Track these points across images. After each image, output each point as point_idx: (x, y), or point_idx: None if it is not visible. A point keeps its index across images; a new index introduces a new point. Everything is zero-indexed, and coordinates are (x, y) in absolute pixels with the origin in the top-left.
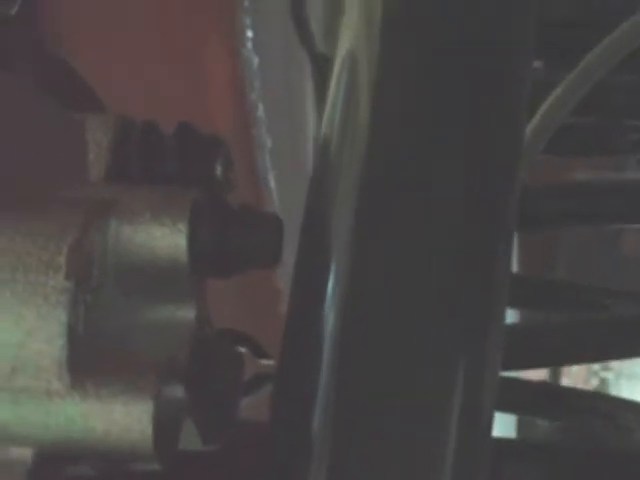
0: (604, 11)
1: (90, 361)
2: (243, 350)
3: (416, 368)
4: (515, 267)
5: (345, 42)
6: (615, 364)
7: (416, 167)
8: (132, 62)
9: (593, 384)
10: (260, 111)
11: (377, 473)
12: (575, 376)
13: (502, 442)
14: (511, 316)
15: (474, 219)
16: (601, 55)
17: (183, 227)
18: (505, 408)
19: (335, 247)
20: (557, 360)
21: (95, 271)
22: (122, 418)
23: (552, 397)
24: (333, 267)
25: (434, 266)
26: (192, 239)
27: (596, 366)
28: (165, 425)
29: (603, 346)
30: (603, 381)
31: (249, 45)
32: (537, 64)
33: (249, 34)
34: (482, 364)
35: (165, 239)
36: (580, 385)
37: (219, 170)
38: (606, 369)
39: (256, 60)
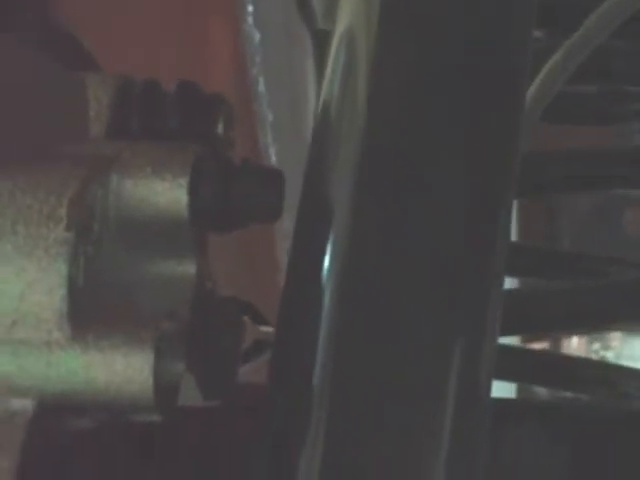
0: None
1: (91, 313)
2: (244, 317)
3: (414, 334)
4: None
5: (344, 18)
6: (616, 343)
7: (414, 140)
8: (133, 39)
9: None
10: (261, 86)
11: (375, 435)
12: (575, 354)
13: (503, 403)
14: (512, 284)
15: (474, 188)
16: (599, 20)
17: (184, 182)
18: (506, 376)
19: (333, 218)
20: (556, 325)
21: (96, 224)
22: (123, 369)
23: (554, 365)
24: (332, 237)
25: (433, 235)
26: (193, 194)
27: (596, 345)
28: (165, 377)
29: (602, 312)
30: (602, 360)
31: (250, 20)
32: (537, 32)
33: (250, 9)
34: (481, 331)
35: (166, 194)
36: None
37: (220, 127)
38: (606, 348)
39: (257, 35)
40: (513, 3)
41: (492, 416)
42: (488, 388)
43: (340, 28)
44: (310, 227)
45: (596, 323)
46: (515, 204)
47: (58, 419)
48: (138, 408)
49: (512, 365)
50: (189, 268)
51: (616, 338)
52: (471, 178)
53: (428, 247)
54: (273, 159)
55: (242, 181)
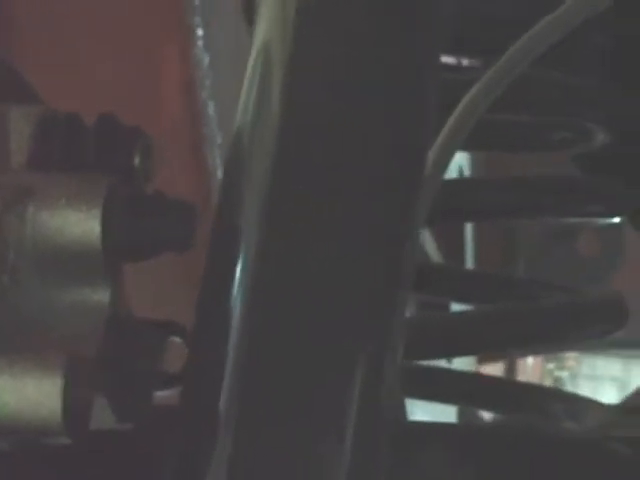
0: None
1: (4, 340)
2: (176, 339)
3: (318, 356)
4: (471, 266)
5: (260, 33)
6: (571, 363)
7: (325, 159)
8: (83, 60)
9: (548, 383)
10: (210, 109)
11: (276, 461)
12: (530, 375)
13: (413, 426)
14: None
15: (380, 210)
16: (519, 51)
17: (97, 213)
18: (436, 397)
19: (243, 241)
20: (474, 348)
21: (11, 254)
22: (33, 394)
23: (484, 387)
24: (241, 263)
25: (339, 257)
26: (105, 225)
27: (551, 365)
28: (75, 401)
29: (523, 334)
30: (557, 380)
31: (200, 44)
32: (465, 61)
33: (200, 33)
34: (381, 356)
35: (80, 224)
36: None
37: (137, 160)
38: (561, 369)
39: (207, 59)
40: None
41: (403, 439)
42: (387, 411)
43: (257, 43)
44: (221, 251)
45: (518, 346)
46: (470, 226)
47: None
48: (48, 432)
49: (440, 386)
50: (103, 296)
51: (571, 358)
52: (378, 201)
53: (332, 274)
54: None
55: (153, 213)
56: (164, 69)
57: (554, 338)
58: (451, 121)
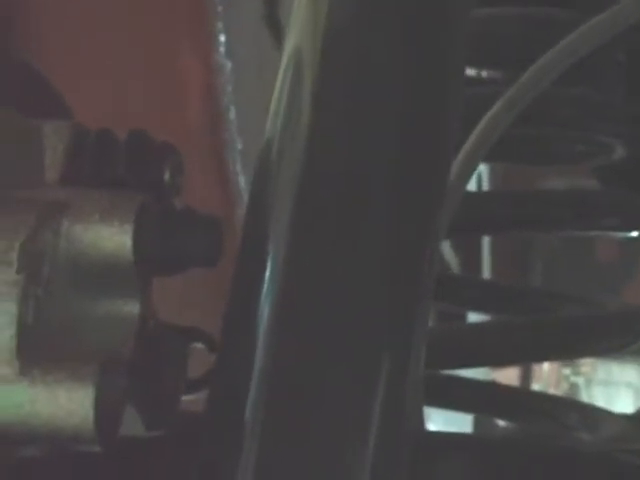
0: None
1: (38, 350)
2: (199, 345)
3: (342, 366)
4: (488, 274)
5: (292, 39)
6: (586, 369)
7: (352, 169)
8: (105, 67)
9: (564, 388)
10: (232, 114)
11: (301, 469)
12: (546, 380)
13: (434, 436)
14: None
15: (404, 221)
16: (543, 67)
17: (129, 228)
18: (452, 406)
19: (273, 244)
20: (493, 359)
21: (46, 267)
22: (66, 403)
23: (500, 397)
24: (270, 264)
25: (364, 268)
26: (137, 239)
27: (567, 370)
28: (106, 410)
29: (540, 347)
30: (573, 386)
31: (222, 50)
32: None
33: (222, 39)
34: (405, 362)
35: (112, 239)
36: (551, 390)
37: (167, 175)
38: (577, 374)
39: (229, 65)
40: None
41: (421, 449)
42: (410, 420)
43: (288, 49)
44: (249, 261)
45: (529, 357)
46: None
47: (4, 450)
48: (80, 440)
49: (457, 395)
50: (133, 308)
51: (587, 364)
52: (402, 213)
53: (357, 285)
54: (242, 187)
55: (183, 228)
56: (186, 75)
57: (571, 351)
58: (474, 135)
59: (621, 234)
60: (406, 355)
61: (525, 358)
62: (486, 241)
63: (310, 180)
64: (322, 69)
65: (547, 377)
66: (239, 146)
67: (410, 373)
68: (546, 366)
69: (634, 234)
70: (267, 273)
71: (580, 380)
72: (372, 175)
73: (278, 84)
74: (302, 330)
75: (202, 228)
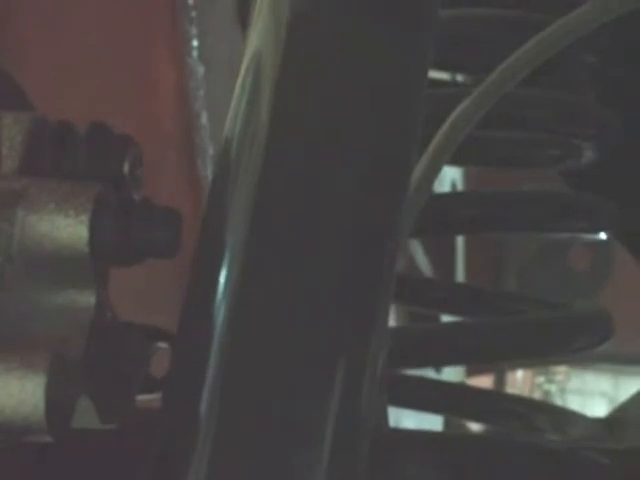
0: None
1: None
2: (163, 345)
3: (297, 363)
4: (463, 279)
5: (252, 42)
6: (560, 377)
7: (311, 170)
8: (77, 70)
9: (537, 396)
10: (204, 119)
11: (255, 462)
12: (520, 388)
13: (397, 434)
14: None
15: (364, 221)
16: (509, 68)
17: (85, 218)
18: (422, 407)
19: (230, 240)
20: (460, 359)
21: (0, 256)
22: (17, 392)
23: (470, 398)
24: (227, 261)
25: (321, 266)
26: (93, 230)
27: (541, 378)
28: (58, 400)
29: (508, 347)
30: (546, 394)
31: (194, 54)
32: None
33: (194, 44)
34: (362, 364)
35: (68, 229)
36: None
37: (127, 167)
38: (550, 382)
39: (201, 69)
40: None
41: (385, 446)
42: (369, 417)
43: (249, 52)
44: (206, 258)
45: (503, 358)
46: (461, 241)
47: None
48: (31, 430)
49: (427, 396)
50: (89, 299)
51: (561, 372)
52: (362, 212)
53: (313, 283)
54: None
55: (141, 219)
56: (158, 79)
57: (539, 351)
58: (439, 136)
59: (589, 236)
60: (362, 353)
61: (489, 358)
62: (460, 246)
63: (269, 180)
64: (282, 72)
65: (521, 385)
66: (210, 151)
67: (367, 371)
68: (520, 374)
69: (602, 237)
70: (224, 271)
71: (553, 388)
72: (332, 176)
73: (238, 86)
74: (258, 326)
75: (160, 219)
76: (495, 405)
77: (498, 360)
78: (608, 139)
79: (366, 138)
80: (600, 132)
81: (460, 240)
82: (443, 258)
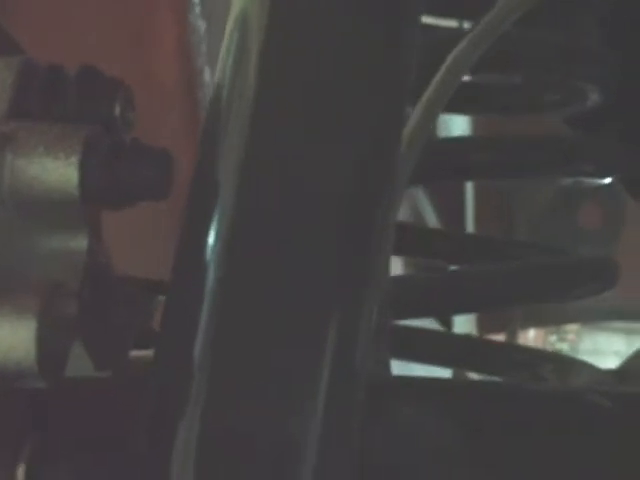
0: None
1: None
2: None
3: (291, 313)
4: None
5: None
6: (571, 337)
7: (303, 122)
8: (78, 25)
9: None
10: (206, 75)
11: (251, 404)
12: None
13: (389, 379)
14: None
15: (357, 168)
16: (504, 8)
17: (75, 160)
18: (427, 359)
19: (220, 197)
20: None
21: None
22: (8, 336)
23: (475, 348)
24: (219, 207)
25: (312, 213)
26: (83, 172)
27: (553, 337)
28: (50, 345)
29: (512, 291)
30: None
31: (196, 10)
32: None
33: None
34: (358, 309)
35: (58, 172)
36: None
37: (118, 110)
38: (562, 340)
39: (203, 25)
40: None
41: (380, 392)
42: (364, 366)
43: (234, 10)
44: (199, 205)
45: (507, 302)
46: (470, 196)
47: None
48: (23, 375)
49: (434, 348)
50: (81, 243)
51: (572, 331)
52: (354, 161)
53: (305, 231)
54: None
55: (130, 160)
56: (160, 35)
57: (546, 294)
58: (436, 78)
59: (595, 182)
60: (358, 301)
61: (494, 303)
62: (469, 202)
63: (259, 125)
64: (269, 30)
65: (533, 344)
66: None
67: (363, 318)
68: (532, 333)
69: (606, 181)
70: (216, 217)
71: (565, 347)
72: (319, 123)
73: (224, 47)
74: (251, 275)
75: (151, 161)
76: (500, 355)
77: (503, 305)
78: (613, 81)
79: (356, 88)
80: (605, 73)
81: (469, 196)
82: (452, 214)
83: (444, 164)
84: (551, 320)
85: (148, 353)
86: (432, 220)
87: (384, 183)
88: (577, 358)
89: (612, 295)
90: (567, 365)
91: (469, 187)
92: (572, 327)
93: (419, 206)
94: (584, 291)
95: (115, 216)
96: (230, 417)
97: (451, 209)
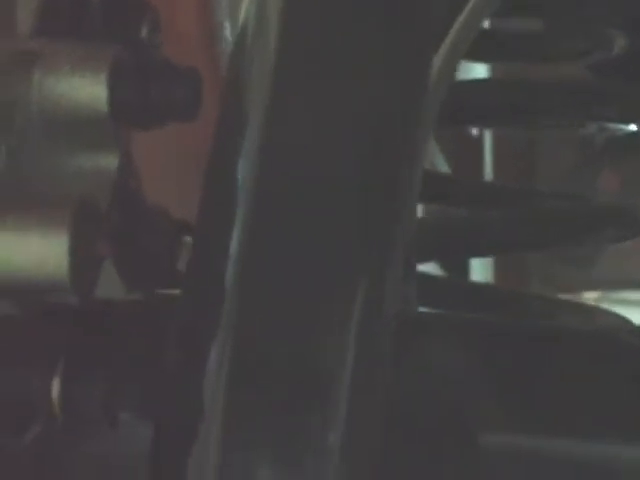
0: None
1: (12, 198)
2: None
3: (325, 243)
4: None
5: None
6: (594, 295)
7: (327, 71)
8: None
9: None
10: (227, 30)
11: (282, 328)
12: None
13: (423, 316)
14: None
15: (381, 119)
16: None
17: (103, 78)
18: (450, 307)
19: (246, 146)
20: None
21: (18, 117)
22: (39, 249)
23: (498, 297)
24: (246, 152)
25: (338, 169)
26: (112, 90)
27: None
28: (82, 259)
29: (536, 235)
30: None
31: None
32: None
33: None
34: (387, 247)
35: (86, 89)
36: None
37: (144, 31)
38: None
39: None
40: None
41: (409, 327)
42: (393, 303)
43: None
44: (226, 150)
45: (531, 246)
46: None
47: None
48: (54, 289)
49: (456, 296)
50: (111, 161)
51: (590, 300)
52: (377, 110)
53: (337, 171)
54: None
55: (160, 78)
56: None
57: (567, 238)
58: (458, 23)
59: (619, 126)
60: (387, 239)
61: (512, 246)
62: (488, 164)
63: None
64: None
65: None
66: None
67: (392, 255)
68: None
69: (631, 127)
70: (243, 159)
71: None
72: (347, 64)
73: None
74: (281, 216)
75: (180, 79)
76: (523, 304)
77: (525, 249)
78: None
79: (381, 34)
80: (631, 19)
81: (488, 159)
82: (470, 175)
83: (460, 106)
84: (569, 287)
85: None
86: (444, 170)
87: (411, 131)
88: (601, 307)
89: (632, 264)
90: (591, 313)
91: (487, 151)
92: (592, 296)
93: (431, 155)
94: (604, 237)
95: (143, 149)
96: (262, 342)
97: (468, 168)
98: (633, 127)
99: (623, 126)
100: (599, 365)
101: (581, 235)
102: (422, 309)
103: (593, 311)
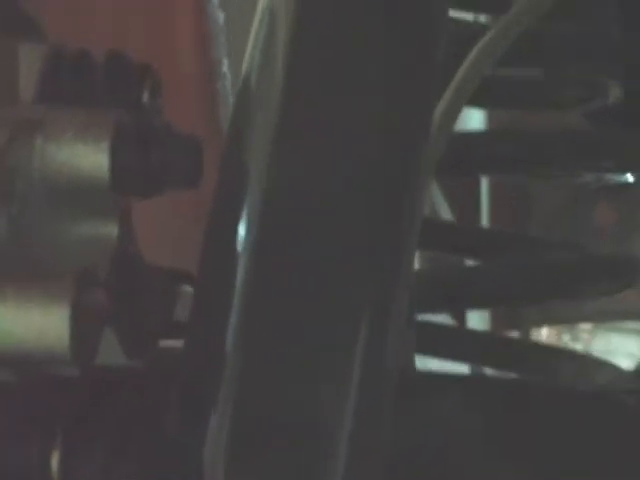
0: None
1: (12, 268)
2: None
3: (324, 301)
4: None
5: None
6: (585, 336)
7: (332, 112)
8: (98, 13)
9: None
10: (225, 66)
11: (283, 395)
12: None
13: (426, 376)
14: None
15: (385, 161)
16: (527, 4)
17: (105, 146)
18: (447, 355)
19: (250, 187)
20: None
21: (20, 184)
22: (40, 322)
23: (496, 346)
24: (248, 204)
25: (343, 205)
26: (113, 157)
27: (567, 336)
28: (82, 330)
29: (530, 287)
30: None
31: (215, 1)
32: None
33: None
34: (388, 303)
35: (88, 157)
36: None
37: (146, 96)
38: (575, 340)
39: (222, 16)
40: None
41: (409, 388)
42: (394, 361)
43: (262, 5)
44: (228, 197)
45: (525, 299)
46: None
47: None
48: (55, 361)
49: (454, 344)
50: (111, 229)
51: (586, 331)
52: (382, 151)
53: (336, 221)
54: None
55: (161, 146)
56: (179, 25)
57: (562, 290)
58: (460, 73)
59: (616, 176)
60: (389, 295)
61: (510, 299)
62: (485, 201)
63: (288, 112)
64: (297, 21)
65: (546, 342)
66: (232, 99)
67: (393, 312)
68: (545, 331)
69: (629, 179)
70: (245, 209)
71: (579, 346)
72: (349, 114)
73: (252, 38)
74: (282, 267)
75: (181, 147)
76: (521, 353)
77: (517, 301)
78: (635, 77)
79: (385, 79)
80: (628, 66)
81: (485, 194)
82: (466, 211)
83: (461, 158)
84: (565, 319)
85: (172, 343)
86: (447, 216)
87: (413, 177)
88: (597, 357)
89: (627, 296)
90: (588, 363)
91: (484, 186)
92: (586, 327)
93: (433, 201)
94: (601, 289)
95: (140, 208)
96: (262, 405)
97: (466, 207)
98: (629, 177)
99: (620, 176)
100: (604, 432)
101: (575, 288)
102: (418, 356)
103: (592, 362)
